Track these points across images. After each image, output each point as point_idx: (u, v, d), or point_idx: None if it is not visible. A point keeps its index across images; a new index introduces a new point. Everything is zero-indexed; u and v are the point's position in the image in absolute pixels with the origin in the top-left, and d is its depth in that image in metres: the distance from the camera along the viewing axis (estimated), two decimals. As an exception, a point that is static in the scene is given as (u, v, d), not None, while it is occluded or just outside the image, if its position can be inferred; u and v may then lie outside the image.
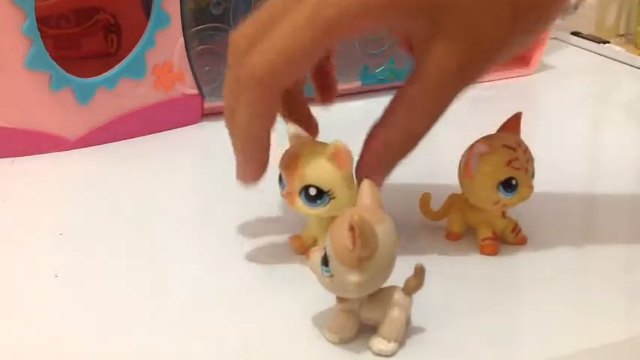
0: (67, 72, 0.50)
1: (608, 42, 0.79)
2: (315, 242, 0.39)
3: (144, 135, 0.55)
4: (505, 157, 0.38)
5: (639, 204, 0.47)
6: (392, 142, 0.37)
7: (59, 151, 0.52)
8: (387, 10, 0.34)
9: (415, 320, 0.34)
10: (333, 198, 0.37)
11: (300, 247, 0.40)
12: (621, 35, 0.89)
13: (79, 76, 0.51)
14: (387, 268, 0.32)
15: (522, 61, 0.68)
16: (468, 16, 0.34)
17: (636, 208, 0.47)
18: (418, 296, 0.33)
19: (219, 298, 0.37)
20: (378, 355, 0.33)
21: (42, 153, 0.51)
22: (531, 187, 0.39)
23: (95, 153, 0.52)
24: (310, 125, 0.41)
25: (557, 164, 0.49)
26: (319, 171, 0.37)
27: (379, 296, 0.33)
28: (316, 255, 0.32)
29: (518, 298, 0.38)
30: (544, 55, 0.69)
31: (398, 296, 0.33)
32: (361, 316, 0.33)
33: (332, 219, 0.33)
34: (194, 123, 0.57)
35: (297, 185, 0.37)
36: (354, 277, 0.31)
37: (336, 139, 0.36)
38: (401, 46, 0.40)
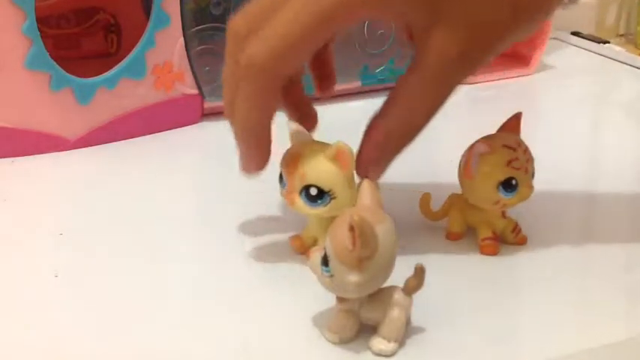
0: (67, 72, 0.50)
1: (608, 42, 0.79)
2: (315, 242, 0.39)
3: (144, 135, 0.55)
4: (505, 157, 0.38)
5: (639, 204, 0.47)
6: (392, 133, 0.36)
7: (59, 151, 0.52)
8: None
9: (415, 320, 0.34)
10: (334, 198, 0.37)
11: (300, 247, 0.40)
12: (621, 35, 0.89)
13: (79, 76, 0.51)
14: (387, 268, 0.32)
15: (522, 61, 0.68)
16: (469, 3, 0.34)
17: (636, 208, 0.47)
18: (418, 296, 0.33)
19: (219, 298, 0.37)
20: (378, 355, 0.33)
21: (42, 153, 0.51)
22: (531, 187, 0.39)
23: (95, 153, 0.52)
24: (309, 114, 0.40)
25: (557, 164, 0.49)
26: (320, 171, 0.36)
27: (379, 296, 0.33)
28: (316, 255, 0.32)
29: (518, 298, 0.38)
30: (544, 55, 0.69)
31: (398, 296, 0.33)
32: (361, 316, 0.33)
33: (332, 219, 0.33)
34: (194, 123, 0.57)
35: (298, 185, 0.37)
36: (354, 277, 0.31)
37: (338, 140, 0.36)
38: (401, 35, 0.40)
